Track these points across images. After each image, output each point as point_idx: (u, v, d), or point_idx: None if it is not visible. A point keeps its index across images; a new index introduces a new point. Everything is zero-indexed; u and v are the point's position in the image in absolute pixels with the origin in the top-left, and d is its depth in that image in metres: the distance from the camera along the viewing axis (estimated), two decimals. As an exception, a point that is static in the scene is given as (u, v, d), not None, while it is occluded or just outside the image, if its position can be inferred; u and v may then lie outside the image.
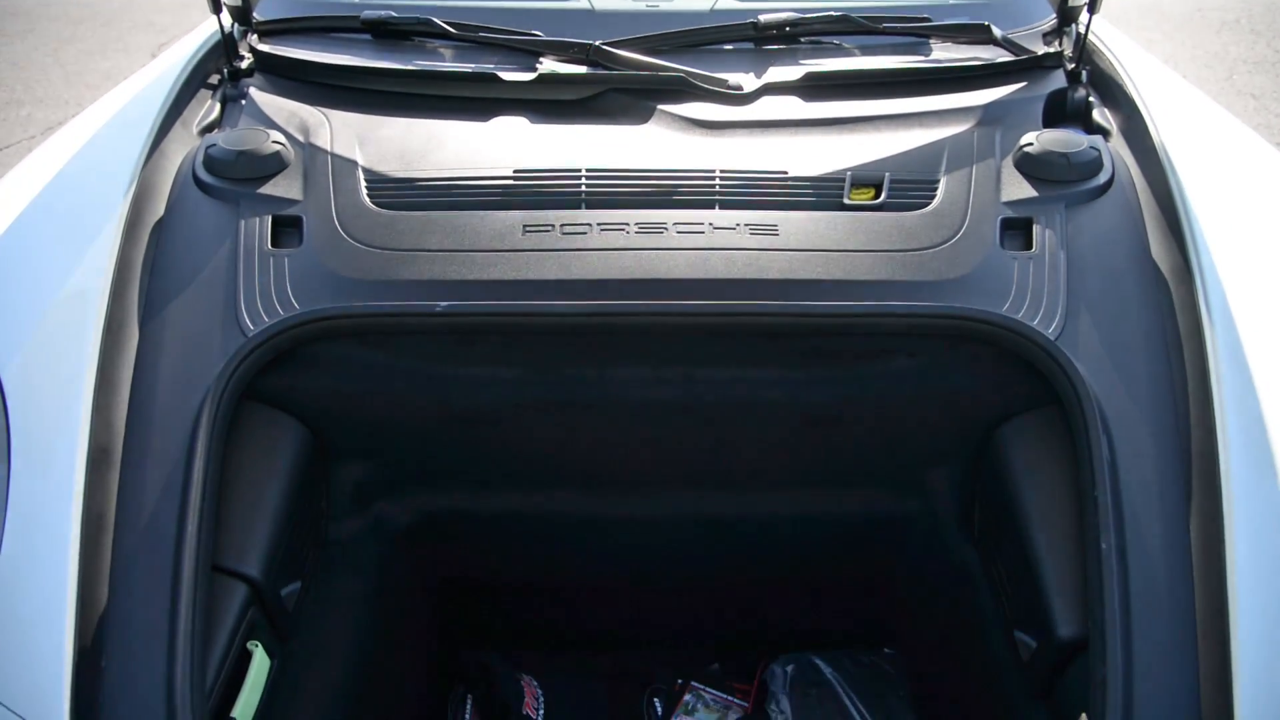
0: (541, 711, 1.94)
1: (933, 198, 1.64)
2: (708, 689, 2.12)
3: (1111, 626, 1.24)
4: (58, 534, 1.29)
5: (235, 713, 1.35)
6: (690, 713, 2.07)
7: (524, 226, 1.59)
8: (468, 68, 1.93)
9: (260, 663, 1.42)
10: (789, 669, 2.01)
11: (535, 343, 1.60)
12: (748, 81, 1.90)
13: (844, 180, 1.68)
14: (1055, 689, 1.42)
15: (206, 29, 2.10)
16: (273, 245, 1.58)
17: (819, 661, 2.02)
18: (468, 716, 2.07)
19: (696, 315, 1.50)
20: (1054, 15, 2.12)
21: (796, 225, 1.60)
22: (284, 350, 1.52)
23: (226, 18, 1.97)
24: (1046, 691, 1.44)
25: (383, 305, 1.50)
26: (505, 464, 1.74)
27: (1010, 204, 1.62)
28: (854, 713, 1.92)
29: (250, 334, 1.49)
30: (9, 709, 1.19)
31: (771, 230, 1.59)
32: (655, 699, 2.11)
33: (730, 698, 2.11)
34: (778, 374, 1.62)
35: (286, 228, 1.61)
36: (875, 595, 2.00)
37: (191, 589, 1.28)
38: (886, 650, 2.07)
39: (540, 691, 1.98)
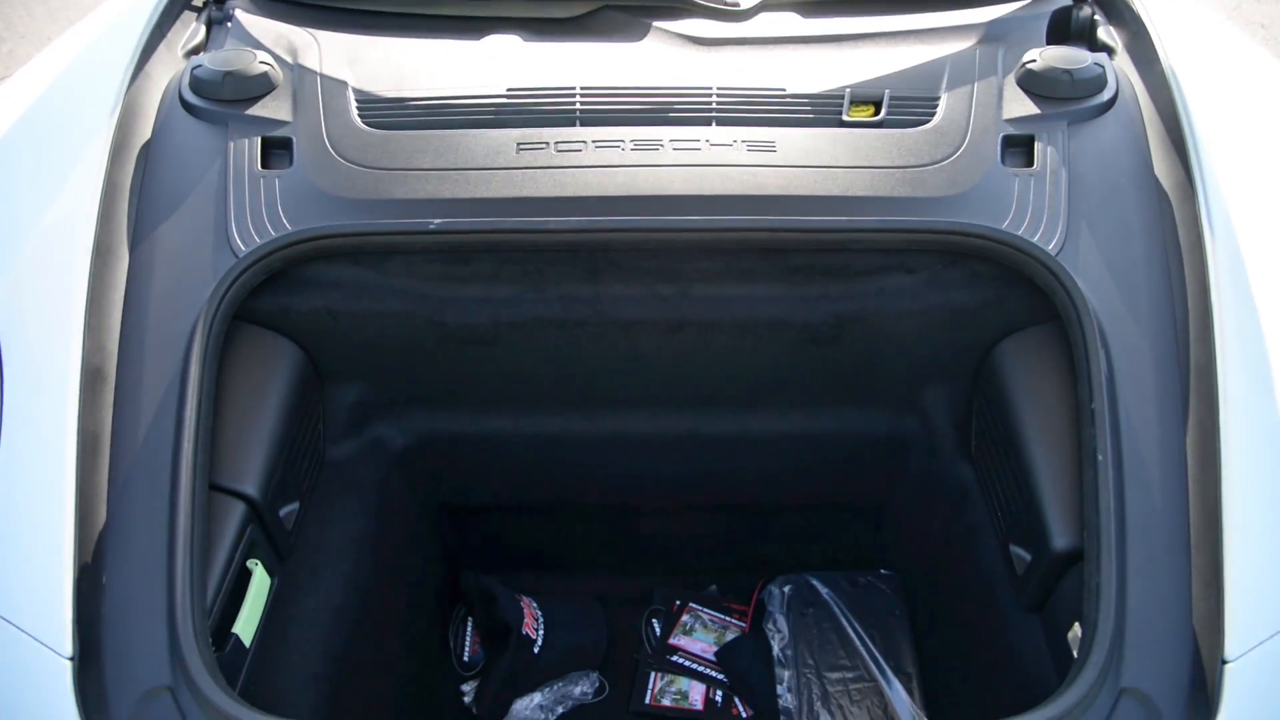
0: (541, 632, 1.97)
1: (933, 115, 1.62)
2: (705, 609, 2.14)
3: (1106, 536, 1.25)
4: (54, 453, 1.29)
5: (236, 628, 1.36)
6: (688, 633, 2.10)
7: (518, 144, 1.57)
8: None
9: (260, 581, 1.43)
10: (786, 590, 2.03)
11: (530, 261, 1.59)
12: (745, -3, 1.86)
13: (843, 97, 1.66)
14: (1049, 601, 1.44)
15: (189, -48, 2.04)
16: (263, 167, 1.56)
17: (815, 582, 2.03)
18: (468, 637, 2.10)
19: (692, 232, 1.49)
20: None
21: (794, 142, 1.58)
22: (276, 271, 1.51)
23: None
24: (1040, 604, 1.46)
25: (375, 224, 1.49)
26: (501, 384, 1.73)
27: (1012, 121, 1.60)
28: (850, 632, 1.94)
29: (241, 254, 1.48)
30: (13, 624, 1.21)
31: (769, 147, 1.57)
32: (654, 620, 2.14)
33: (727, 618, 2.14)
34: (774, 291, 1.61)
35: (276, 149, 1.59)
36: (872, 515, 2.01)
37: (189, 507, 1.28)
38: (883, 571, 2.08)
39: (540, 613, 2.00)
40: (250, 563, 1.43)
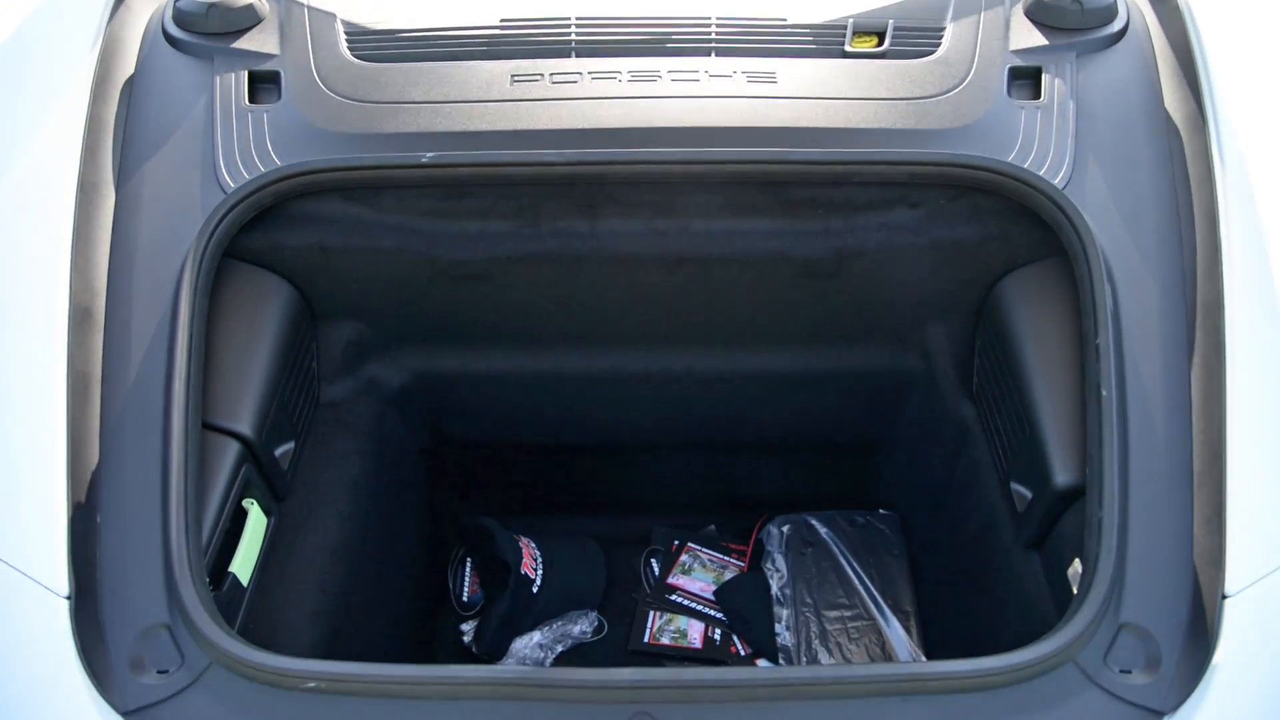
0: (540, 572, 1.97)
1: (938, 46, 1.58)
2: (704, 549, 2.15)
3: (1109, 472, 1.24)
4: (45, 393, 1.28)
5: (233, 567, 1.36)
6: (687, 572, 2.10)
7: (512, 76, 1.53)
8: None
9: (256, 520, 1.43)
10: (784, 529, 2.03)
11: (525, 195, 1.55)
12: (745, -77, 1.80)
13: (845, 27, 1.61)
14: (1049, 539, 1.43)
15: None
16: (250, 101, 1.53)
17: (814, 522, 2.03)
18: (466, 577, 2.10)
19: (691, 165, 1.46)
20: None
21: (795, 73, 1.54)
22: (266, 207, 1.49)
23: None
24: (1040, 541, 1.45)
25: (366, 158, 1.47)
26: (497, 322, 1.71)
27: (1019, 52, 1.56)
28: (849, 571, 1.94)
29: (230, 190, 1.46)
30: (9, 564, 1.20)
31: (769, 78, 1.53)
32: (652, 559, 2.14)
33: (726, 558, 2.14)
34: (774, 226, 1.58)
35: (264, 83, 1.56)
36: (872, 454, 2.01)
37: (182, 446, 1.27)
38: (882, 511, 2.08)
39: (538, 553, 2.00)
40: (246, 502, 1.42)
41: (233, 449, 1.39)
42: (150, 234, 1.44)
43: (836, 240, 1.58)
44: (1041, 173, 1.45)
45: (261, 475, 1.47)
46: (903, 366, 1.77)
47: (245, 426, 1.41)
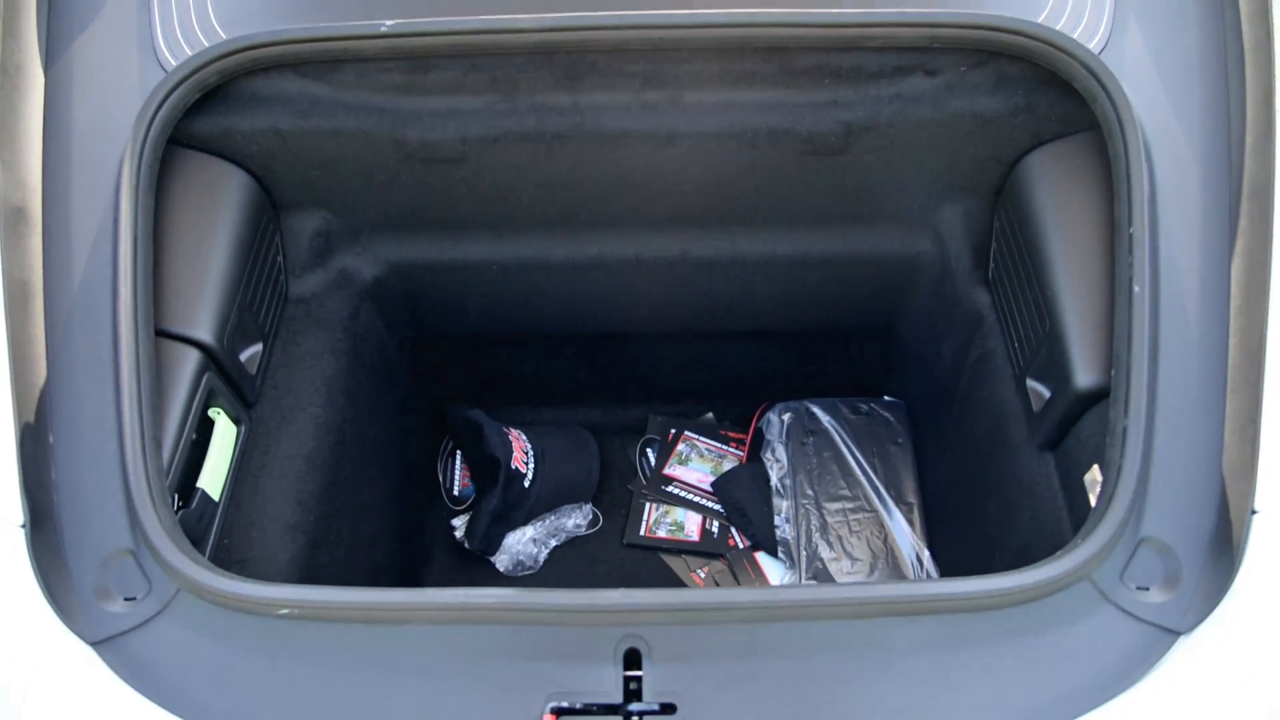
0: (531, 465, 1.91)
1: None
2: (702, 438, 2.08)
3: (1138, 376, 1.14)
4: (-22, 302, 1.18)
5: (201, 483, 1.28)
6: (684, 462, 2.04)
7: None
8: None
9: (225, 431, 1.35)
10: (785, 417, 1.95)
11: (499, 67, 1.40)
12: None
13: None
14: (1065, 440, 1.35)
15: None
16: None
17: (816, 409, 1.95)
18: (456, 470, 2.04)
19: (685, 29, 1.31)
20: None
21: None
22: (211, 87, 1.36)
23: None
24: (1056, 443, 1.37)
25: (321, 28, 1.33)
26: (474, 208, 1.58)
27: None
28: (851, 461, 1.88)
29: (170, 69, 1.34)
30: None
31: None
32: (648, 449, 2.08)
33: (725, 446, 2.08)
34: (777, 97, 1.44)
35: None
36: (878, 341, 1.90)
37: (133, 358, 1.18)
38: (887, 398, 2.00)
39: (529, 445, 1.93)
40: (212, 412, 1.34)
41: (192, 357, 1.30)
42: (86, 121, 1.33)
43: (845, 113, 1.44)
44: (1075, 35, 1.31)
45: (227, 382, 1.38)
46: (913, 250, 1.65)
47: (204, 332, 1.32)
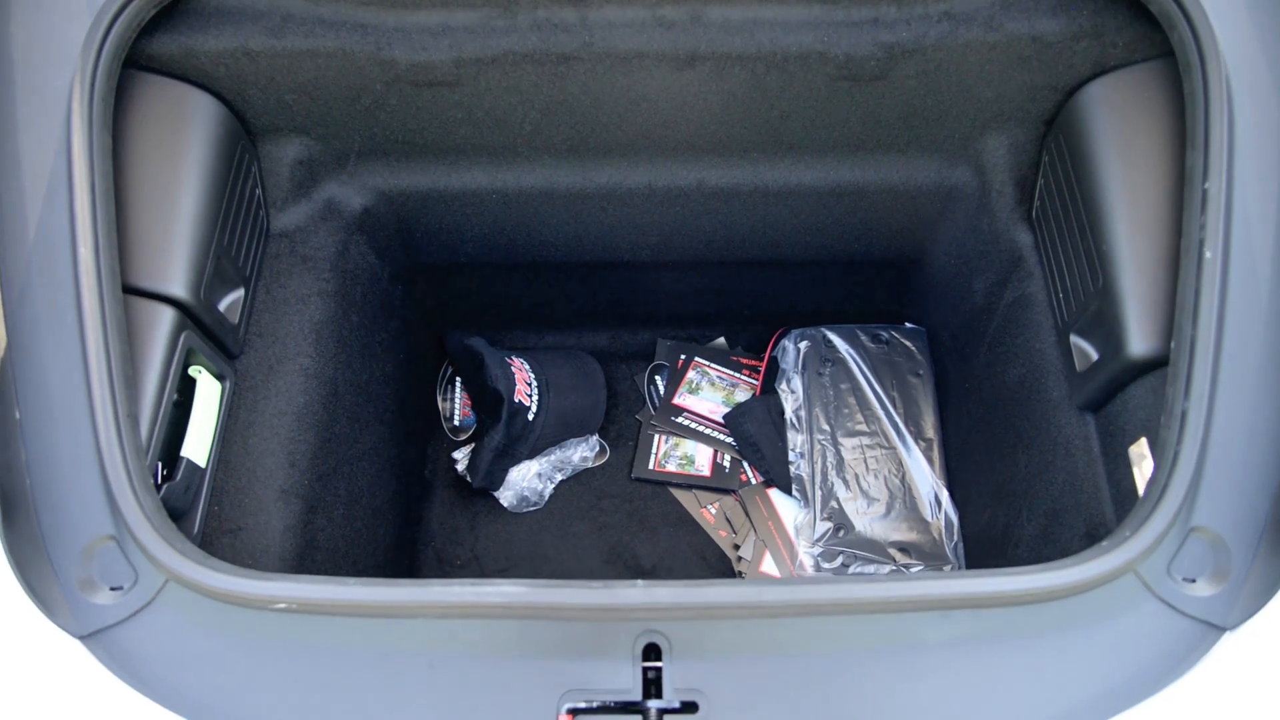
0: (535, 398, 1.81)
1: None
2: (713, 365, 1.98)
3: (1204, 353, 1.04)
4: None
5: (186, 451, 1.19)
6: (694, 391, 1.95)
7: None
8: None
9: (207, 389, 1.25)
10: (802, 346, 1.85)
11: None
12: None
13: None
14: (1110, 403, 1.26)
15: None
16: None
17: (834, 337, 1.85)
18: (456, 399, 1.95)
19: None
20: None
21: None
22: (168, 1, 1.18)
23: None
24: (1099, 406, 1.28)
25: None
26: (471, 133, 1.43)
27: None
28: (869, 393, 1.79)
29: None
30: None
31: None
32: (657, 376, 1.98)
33: (737, 374, 1.98)
34: (810, 14, 1.28)
35: None
36: (905, 270, 1.78)
37: (99, 325, 1.06)
38: (908, 324, 1.89)
39: (532, 376, 1.84)
40: (193, 370, 1.23)
41: (166, 316, 1.19)
42: (27, 46, 1.17)
43: (887, 33, 1.28)
44: None
45: (207, 336, 1.26)
46: (950, 181, 1.51)
47: (177, 286, 1.20)
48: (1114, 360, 1.20)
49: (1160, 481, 1.03)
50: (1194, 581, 1.03)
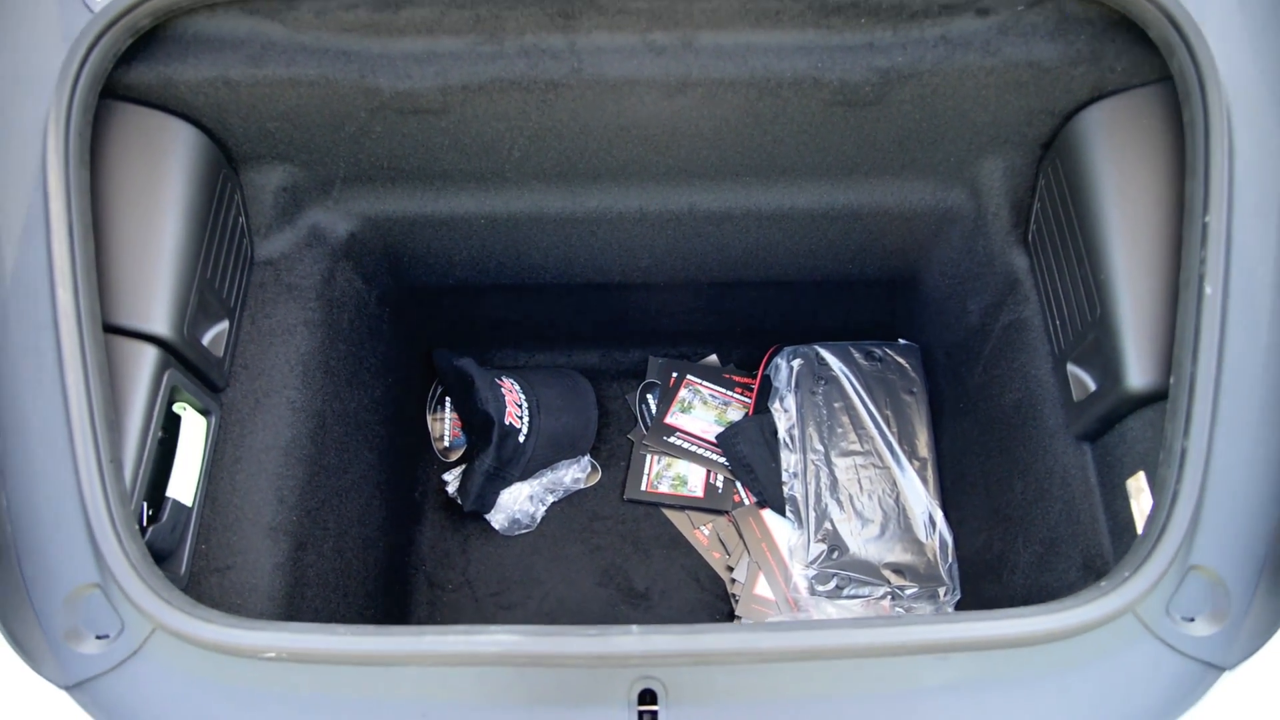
0: (525, 419, 1.79)
1: None
2: (705, 383, 1.96)
3: (1204, 391, 1.03)
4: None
5: (171, 491, 1.17)
6: (687, 410, 1.93)
7: None
8: None
9: (193, 426, 1.23)
10: (795, 364, 1.82)
11: (482, 3, 1.21)
12: None
13: None
14: (1107, 434, 1.25)
15: None
16: None
17: (827, 354, 1.83)
18: (447, 418, 1.92)
19: None
20: None
21: None
22: (145, 29, 1.18)
23: None
24: (1096, 436, 1.27)
25: None
26: (458, 159, 1.41)
27: None
28: (863, 412, 1.77)
29: (97, 9, 1.16)
30: None
31: None
32: (648, 395, 1.96)
33: (729, 392, 1.96)
34: (805, 39, 1.25)
35: None
36: (899, 294, 1.76)
37: (80, 369, 1.04)
38: (901, 341, 1.88)
39: (523, 397, 1.81)
40: (178, 407, 1.21)
41: (149, 355, 1.16)
42: (4, 73, 1.13)
43: (882, 58, 1.26)
44: None
45: (191, 373, 1.24)
46: (946, 203, 1.50)
47: (159, 324, 1.17)
48: (1112, 392, 1.19)
49: (1159, 520, 1.02)
50: (1193, 621, 1.02)
